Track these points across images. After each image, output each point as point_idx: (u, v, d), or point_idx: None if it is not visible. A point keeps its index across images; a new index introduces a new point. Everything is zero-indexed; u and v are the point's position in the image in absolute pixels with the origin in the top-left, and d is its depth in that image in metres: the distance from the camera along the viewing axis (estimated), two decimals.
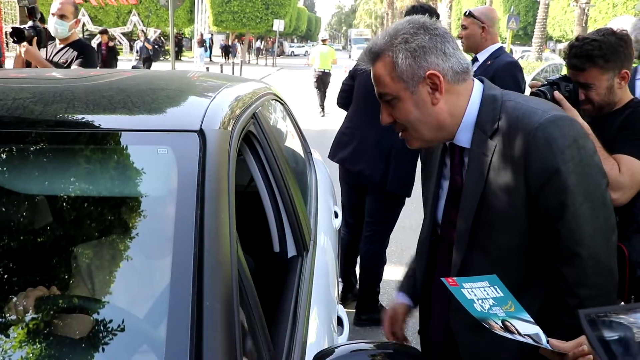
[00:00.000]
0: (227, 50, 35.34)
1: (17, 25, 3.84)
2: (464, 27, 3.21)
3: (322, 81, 12.54)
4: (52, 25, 3.66)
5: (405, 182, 3.15)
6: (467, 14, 3.20)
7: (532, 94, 1.84)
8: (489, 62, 3.05)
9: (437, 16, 3.26)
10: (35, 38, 3.45)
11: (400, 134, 1.39)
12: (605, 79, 1.81)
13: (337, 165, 3.49)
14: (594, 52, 1.78)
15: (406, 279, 1.72)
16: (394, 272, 4.11)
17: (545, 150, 1.24)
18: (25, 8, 3.50)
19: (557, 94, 1.79)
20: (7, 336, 0.98)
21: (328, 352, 1.13)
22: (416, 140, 1.38)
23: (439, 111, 1.31)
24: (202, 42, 26.83)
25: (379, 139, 3.11)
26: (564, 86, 1.82)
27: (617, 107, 1.89)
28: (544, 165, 1.24)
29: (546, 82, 1.87)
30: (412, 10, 3.17)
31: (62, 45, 3.74)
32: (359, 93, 3.26)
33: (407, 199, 3.28)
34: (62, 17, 3.66)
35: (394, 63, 1.28)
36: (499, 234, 1.33)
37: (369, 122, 3.15)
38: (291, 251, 1.69)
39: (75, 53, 3.68)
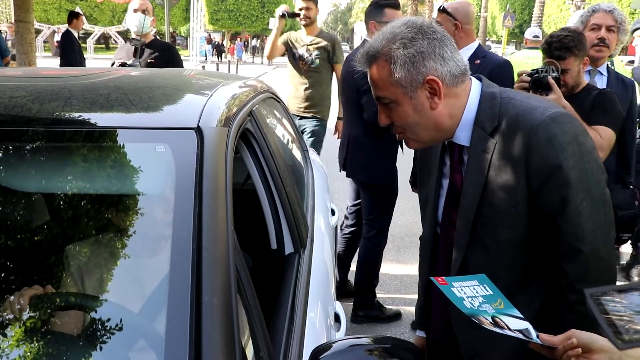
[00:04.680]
0: (219, 50, 35.16)
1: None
2: (438, 24, 2.99)
3: None
4: (136, 20, 3.68)
5: (364, 168, 3.23)
6: (441, 9, 3.05)
7: (533, 79, 2.31)
8: (477, 62, 2.93)
9: (398, 7, 3.25)
10: None
11: (397, 136, 1.40)
12: (577, 64, 2.40)
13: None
14: (571, 44, 2.36)
15: (419, 316, 1.72)
16: (390, 269, 4.13)
17: (546, 147, 1.24)
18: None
19: (550, 78, 2.28)
20: (5, 335, 0.98)
21: (326, 347, 1.13)
22: (414, 141, 1.38)
23: (438, 114, 1.31)
24: (210, 40, 30.52)
25: (344, 130, 3.42)
26: (553, 71, 2.31)
27: (579, 90, 2.44)
28: (546, 161, 1.25)
29: (535, 71, 2.32)
30: (370, 7, 3.26)
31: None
32: (339, 87, 3.44)
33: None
34: (144, 12, 3.72)
35: (392, 68, 1.27)
36: (499, 231, 1.34)
37: (345, 115, 3.43)
38: (288, 248, 1.70)
39: (156, 54, 3.71)
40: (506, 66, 2.98)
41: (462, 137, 1.36)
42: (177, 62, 3.80)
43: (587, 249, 1.26)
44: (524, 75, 2.36)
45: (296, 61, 4.39)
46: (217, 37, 37.17)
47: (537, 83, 2.29)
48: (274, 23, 4.39)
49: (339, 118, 4.58)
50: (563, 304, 1.31)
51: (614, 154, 2.49)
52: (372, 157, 3.18)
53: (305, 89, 4.39)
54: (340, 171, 3.45)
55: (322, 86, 4.45)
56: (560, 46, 2.37)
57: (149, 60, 3.67)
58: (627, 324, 0.90)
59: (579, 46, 2.37)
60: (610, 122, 2.35)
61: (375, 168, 3.20)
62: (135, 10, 3.69)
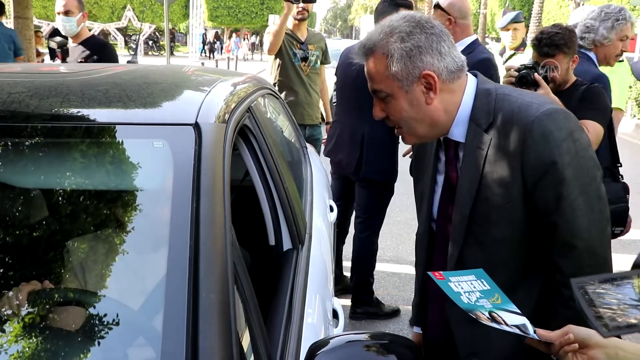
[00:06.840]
0: (211, 48, 34.50)
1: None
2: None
3: None
4: (60, 23, 3.66)
5: (380, 168, 3.15)
6: (435, 5, 3.00)
7: (520, 75, 2.34)
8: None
9: (411, 8, 3.10)
10: None
11: (395, 130, 1.40)
12: (566, 62, 2.42)
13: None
14: (560, 41, 2.37)
15: (416, 312, 1.72)
16: (389, 266, 4.13)
17: (541, 143, 1.25)
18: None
19: (536, 75, 2.32)
20: (3, 330, 0.98)
21: (323, 343, 1.13)
22: (410, 135, 1.38)
23: (433, 109, 1.31)
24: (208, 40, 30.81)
25: (353, 129, 3.17)
26: (545, 69, 2.38)
27: (568, 86, 2.47)
28: (541, 158, 1.25)
29: (523, 66, 2.36)
30: (384, 5, 3.08)
31: (74, 44, 3.72)
32: (338, 84, 3.31)
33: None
34: (67, 13, 3.65)
35: (389, 62, 1.28)
36: (495, 226, 1.34)
37: (346, 113, 3.24)
38: (287, 244, 1.70)
39: (87, 52, 3.66)
40: (483, 63, 2.84)
41: (457, 133, 1.36)
42: (109, 59, 3.72)
43: (581, 244, 1.26)
44: (512, 70, 2.38)
45: (298, 62, 4.01)
46: (209, 35, 36.42)
47: (524, 79, 2.32)
48: (273, 20, 4.27)
49: (328, 123, 4.31)
50: (558, 300, 1.32)
51: (604, 147, 2.53)
52: (390, 155, 3.14)
53: (309, 93, 4.07)
54: (352, 172, 3.22)
55: (318, 87, 4.21)
56: (549, 43, 2.39)
57: (79, 60, 3.63)
58: (606, 313, 0.91)
59: (568, 44, 2.39)
60: (598, 117, 2.38)
61: (391, 167, 3.17)
62: (59, 13, 3.65)
